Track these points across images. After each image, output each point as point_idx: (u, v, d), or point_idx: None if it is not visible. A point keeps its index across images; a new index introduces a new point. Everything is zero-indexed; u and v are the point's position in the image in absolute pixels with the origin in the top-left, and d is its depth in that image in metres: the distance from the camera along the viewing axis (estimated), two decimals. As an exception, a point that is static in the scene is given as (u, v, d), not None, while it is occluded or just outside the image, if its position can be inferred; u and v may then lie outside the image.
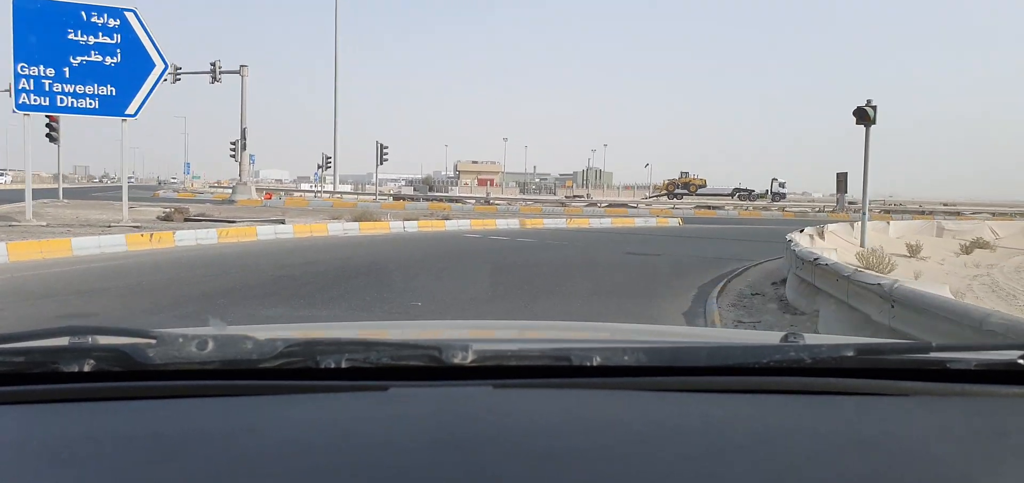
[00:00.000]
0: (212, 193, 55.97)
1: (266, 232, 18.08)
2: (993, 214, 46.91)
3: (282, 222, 20.75)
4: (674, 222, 31.63)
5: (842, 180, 48.24)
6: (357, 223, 21.39)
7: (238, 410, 1.01)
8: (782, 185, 68.83)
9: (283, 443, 0.89)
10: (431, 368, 1.08)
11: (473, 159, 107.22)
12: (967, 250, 18.31)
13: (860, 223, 15.83)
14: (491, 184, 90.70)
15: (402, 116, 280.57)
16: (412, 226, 22.65)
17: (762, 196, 66.51)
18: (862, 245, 15.31)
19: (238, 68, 40.08)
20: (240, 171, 41.10)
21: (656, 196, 70.74)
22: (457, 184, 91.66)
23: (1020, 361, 1.12)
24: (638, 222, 31.15)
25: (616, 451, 0.88)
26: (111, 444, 0.90)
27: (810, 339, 1.27)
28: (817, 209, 50.04)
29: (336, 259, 13.69)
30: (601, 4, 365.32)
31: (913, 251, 16.81)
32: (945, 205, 56.97)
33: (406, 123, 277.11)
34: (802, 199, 74.01)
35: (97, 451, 0.88)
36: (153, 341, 1.06)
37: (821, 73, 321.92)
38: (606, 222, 29.85)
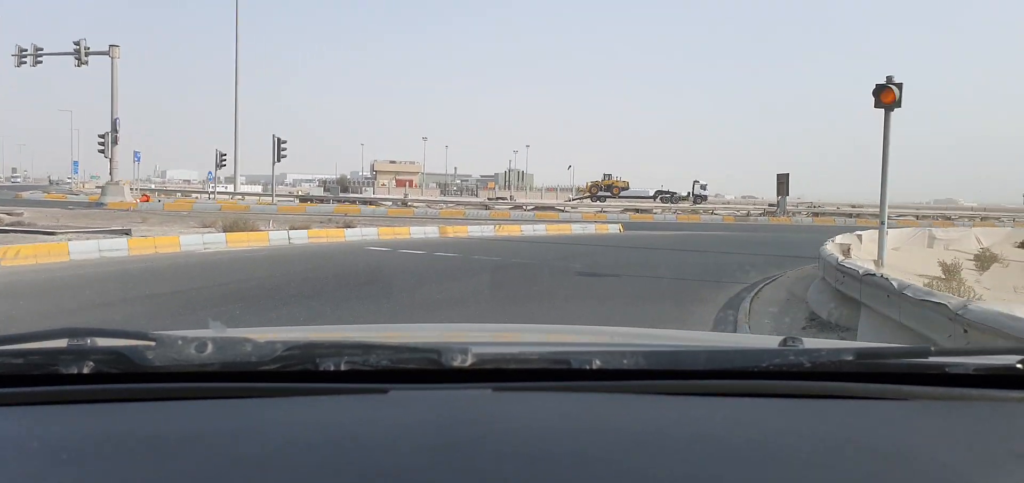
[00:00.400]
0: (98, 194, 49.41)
1: (87, 250, 13.19)
2: (920, 217, 46.03)
3: (127, 233, 15.93)
4: (614, 228, 28.07)
5: (783, 182, 46.34)
6: (224, 234, 16.68)
7: (237, 412, 1.00)
8: (703, 187, 67.39)
9: (283, 445, 0.88)
10: (431, 371, 1.08)
11: (391, 159, 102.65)
12: (983, 265, 15.12)
13: (879, 234, 12.25)
14: (410, 185, 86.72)
15: (319, 114, 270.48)
16: (301, 236, 18.11)
17: (684, 199, 64.98)
18: (879, 259, 11.72)
19: (107, 49, 34.33)
20: (111, 169, 35.03)
21: (580, 198, 68.51)
22: (374, 185, 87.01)
23: (1019, 366, 1.13)
24: (575, 229, 27.23)
25: (615, 454, 0.87)
26: (110, 446, 0.89)
27: (809, 343, 1.25)
28: (747, 213, 47.67)
29: (139, 296, 9.34)
30: (522, 5, 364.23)
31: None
32: (854, 207, 56.15)
33: (323, 121, 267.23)
34: (730, 202, 72.20)
35: (96, 452, 0.87)
36: (152, 343, 1.05)
37: (742, 73, 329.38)
38: (539, 229, 25.93)
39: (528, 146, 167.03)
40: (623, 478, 0.83)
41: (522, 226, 26.11)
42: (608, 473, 0.83)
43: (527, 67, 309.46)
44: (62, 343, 1.09)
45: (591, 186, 73.91)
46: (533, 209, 46.59)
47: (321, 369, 1.05)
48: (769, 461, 0.89)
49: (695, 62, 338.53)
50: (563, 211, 46.44)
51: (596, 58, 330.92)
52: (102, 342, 1.09)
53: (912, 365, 1.15)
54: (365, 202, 45.19)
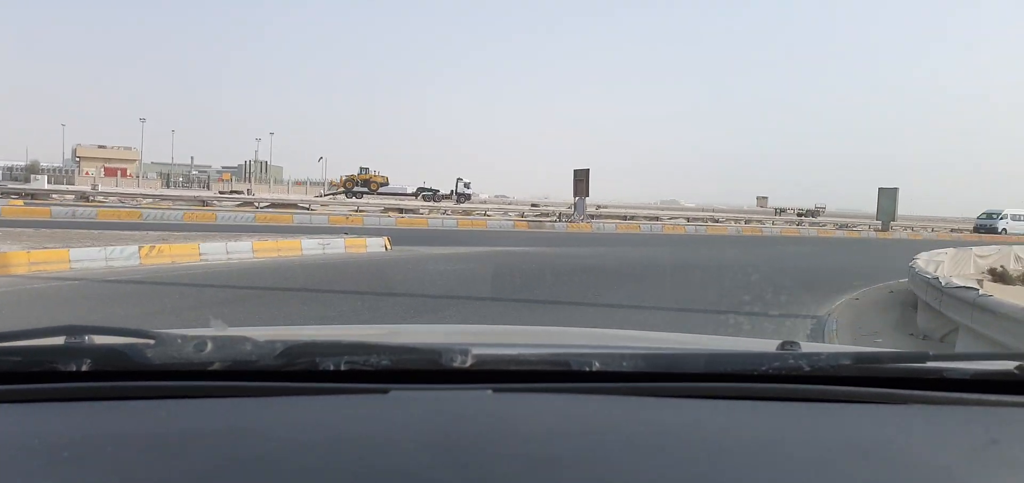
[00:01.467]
0: None
1: None
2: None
3: None
4: (375, 244, 17.19)
5: (582, 181, 39.83)
6: None
7: (237, 411, 1.00)
8: (467, 185, 61.43)
9: (282, 444, 0.88)
10: (431, 371, 1.09)
11: (99, 143, 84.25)
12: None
13: None
14: (123, 174, 71.30)
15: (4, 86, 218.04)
16: None
17: (447, 197, 59.33)
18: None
19: None
20: None
21: (332, 194, 58.61)
22: (76, 174, 69.78)
23: (1016, 371, 1.14)
24: (307, 247, 15.46)
25: (614, 456, 0.88)
26: (110, 443, 0.89)
27: (807, 347, 1.25)
28: (553, 217, 40.92)
29: None
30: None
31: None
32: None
33: (11, 96, 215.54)
34: (500, 201, 65.98)
35: (94, 450, 0.87)
36: (151, 341, 1.05)
37: (513, 70, 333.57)
38: (240, 250, 14.15)
39: (272, 134, 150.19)
40: (622, 479, 0.83)
41: (206, 244, 14.17)
42: (607, 474, 0.84)
43: (273, 46, 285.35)
44: (60, 341, 1.08)
45: (345, 181, 63.80)
46: (268, 206, 36.08)
47: (321, 369, 1.05)
48: (768, 463, 0.89)
49: (454, 49, 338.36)
50: (307, 209, 36.51)
51: (350, 41, 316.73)
52: (101, 340, 1.09)
53: (910, 370, 1.16)
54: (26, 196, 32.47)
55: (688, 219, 50.60)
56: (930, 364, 1.14)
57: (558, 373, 1.11)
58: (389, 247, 17.47)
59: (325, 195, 57.54)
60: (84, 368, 1.01)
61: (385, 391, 1.04)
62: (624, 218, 47.28)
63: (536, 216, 43.85)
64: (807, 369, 1.10)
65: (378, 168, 64.69)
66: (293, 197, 50.61)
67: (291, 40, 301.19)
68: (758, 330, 8.46)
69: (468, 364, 1.07)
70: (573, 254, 19.48)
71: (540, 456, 0.88)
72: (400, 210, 43.64)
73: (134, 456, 0.86)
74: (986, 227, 50.55)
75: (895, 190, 48.94)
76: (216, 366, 1.03)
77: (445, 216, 36.04)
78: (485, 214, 45.60)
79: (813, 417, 1.05)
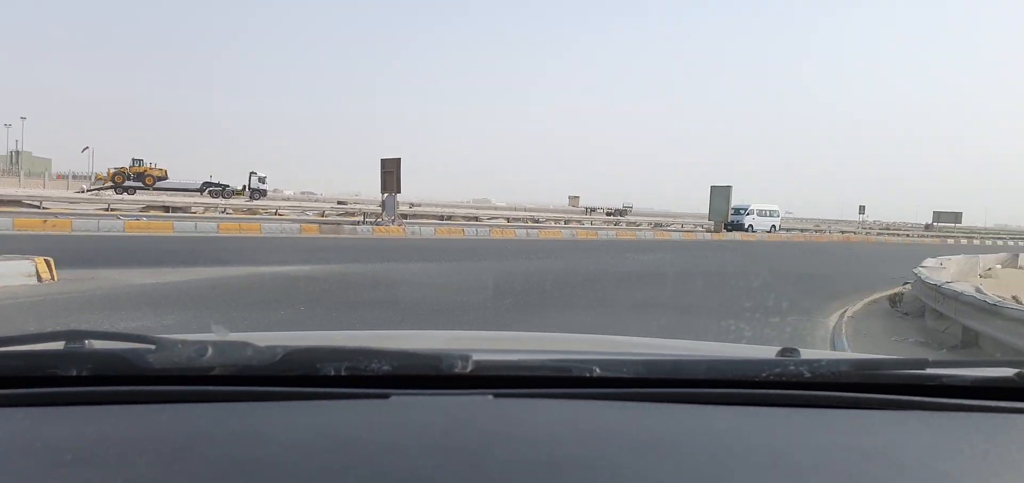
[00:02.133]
0: None
1: None
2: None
3: None
4: (11, 273, 9.82)
5: (392, 173, 29.62)
6: None
7: (238, 416, 0.99)
8: (262, 180, 54.29)
9: (283, 449, 0.88)
10: (432, 377, 1.09)
11: None
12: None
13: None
14: None
15: None
16: None
17: (239, 193, 52.16)
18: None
19: None
20: None
21: (96, 189, 48.61)
22: None
23: (1016, 377, 1.14)
24: None
25: (615, 461, 0.88)
26: (111, 448, 0.89)
27: (807, 354, 1.26)
28: (358, 219, 34.00)
29: None
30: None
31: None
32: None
33: None
34: (306, 198, 57.80)
35: (95, 455, 0.87)
36: (152, 346, 1.05)
37: (324, 56, 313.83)
38: None
39: (24, 119, 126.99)
40: None
41: None
42: (608, 479, 0.84)
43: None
44: (61, 345, 1.08)
45: (114, 173, 53.22)
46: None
47: (322, 374, 1.05)
48: (769, 469, 0.89)
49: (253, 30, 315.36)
50: (38, 208, 27.75)
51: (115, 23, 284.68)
52: (101, 345, 1.10)
53: (910, 376, 1.16)
54: None
55: (508, 219, 46.44)
56: (930, 371, 1.16)
57: (559, 379, 1.11)
58: (49, 277, 10.42)
59: (89, 189, 48.07)
60: (85, 373, 1.01)
61: (386, 396, 1.04)
62: (442, 219, 42.03)
63: (340, 217, 37.36)
64: (808, 375, 1.12)
65: (156, 161, 54.61)
66: (55, 192, 40.32)
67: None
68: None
69: (469, 369, 1.07)
70: (368, 274, 13.70)
71: (541, 461, 0.88)
72: (166, 209, 35.41)
73: (135, 461, 0.86)
74: (735, 224, 46.70)
75: (728, 188, 45.20)
76: (217, 371, 1.03)
77: (222, 216, 28.33)
78: (276, 213, 38.48)
79: (814, 423, 1.05)
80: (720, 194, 44.77)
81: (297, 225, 26.74)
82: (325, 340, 1.43)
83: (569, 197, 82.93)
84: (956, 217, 72.76)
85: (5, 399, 0.99)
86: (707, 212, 47.90)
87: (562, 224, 45.77)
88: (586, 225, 45.66)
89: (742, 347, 2.36)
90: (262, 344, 1.07)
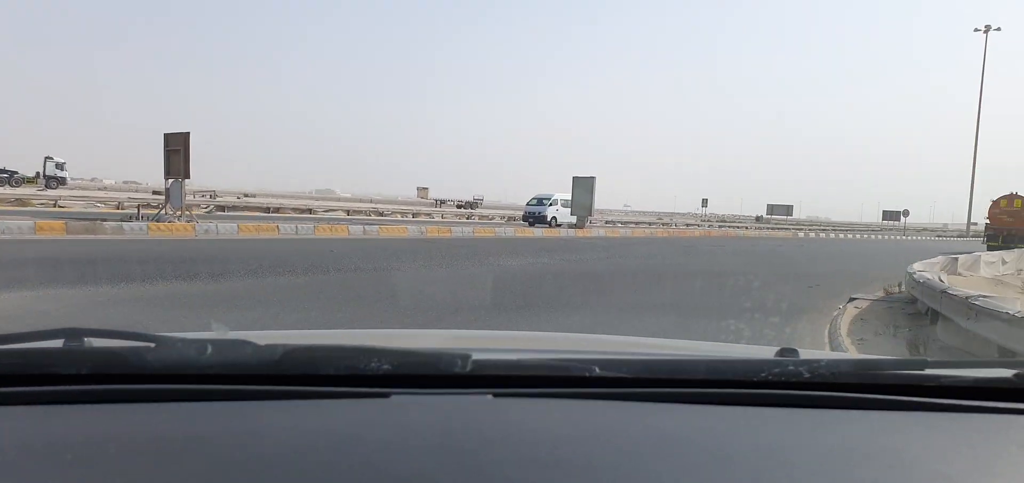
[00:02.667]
0: None
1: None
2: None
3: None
4: None
5: (178, 153, 18.73)
6: None
7: (237, 415, 0.99)
8: (60, 166, 45.07)
9: (282, 448, 0.88)
10: (432, 376, 1.09)
11: None
12: None
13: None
14: None
15: None
16: None
17: (31, 181, 44.39)
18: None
19: None
20: None
21: None
22: None
23: (1014, 378, 1.14)
24: None
25: (615, 461, 0.88)
26: (109, 446, 0.89)
27: (806, 354, 1.26)
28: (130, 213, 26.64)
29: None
30: None
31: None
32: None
33: None
34: (95, 185, 48.54)
35: (95, 453, 0.87)
36: (152, 344, 1.05)
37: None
38: None
39: None
40: None
41: None
42: (607, 479, 0.84)
43: None
44: (61, 343, 1.08)
45: None
46: None
47: (321, 373, 1.06)
48: (768, 469, 0.89)
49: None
50: None
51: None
52: (101, 343, 1.09)
53: (909, 376, 1.16)
54: None
55: (348, 213, 41.00)
56: (929, 371, 1.15)
57: (559, 378, 1.11)
58: None
59: None
60: (84, 371, 1.01)
61: (386, 395, 1.03)
62: (269, 212, 35.97)
63: (115, 209, 30.32)
64: (807, 376, 1.11)
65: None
66: None
67: None
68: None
69: (468, 369, 1.07)
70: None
71: (541, 461, 0.87)
72: None
73: (134, 459, 0.86)
74: (535, 215, 39.57)
75: (591, 179, 39.61)
76: (216, 369, 1.03)
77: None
78: (55, 204, 31.24)
79: (812, 423, 1.05)
80: (583, 185, 39.66)
81: (31, 222, 18.78)
82: (325, 339, 1.47)
83: (418, 189, 78.34)
84: (788, 209, 75.04)
85: (4, 398, 0.98)
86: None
87: (410, 218, 41.28)
88: (436, 219, 41.35)
89: (742, 347, 2.28)
90: (262, 343, 1.07)
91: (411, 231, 26.97)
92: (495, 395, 1.05)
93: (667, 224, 54.72)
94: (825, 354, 1.44)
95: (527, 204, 42.40)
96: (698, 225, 57.95)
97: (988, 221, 38.30)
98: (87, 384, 1.00)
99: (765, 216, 75.76)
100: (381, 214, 41.71)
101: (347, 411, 1.00)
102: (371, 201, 50.43)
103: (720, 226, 61.90)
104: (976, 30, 72.93)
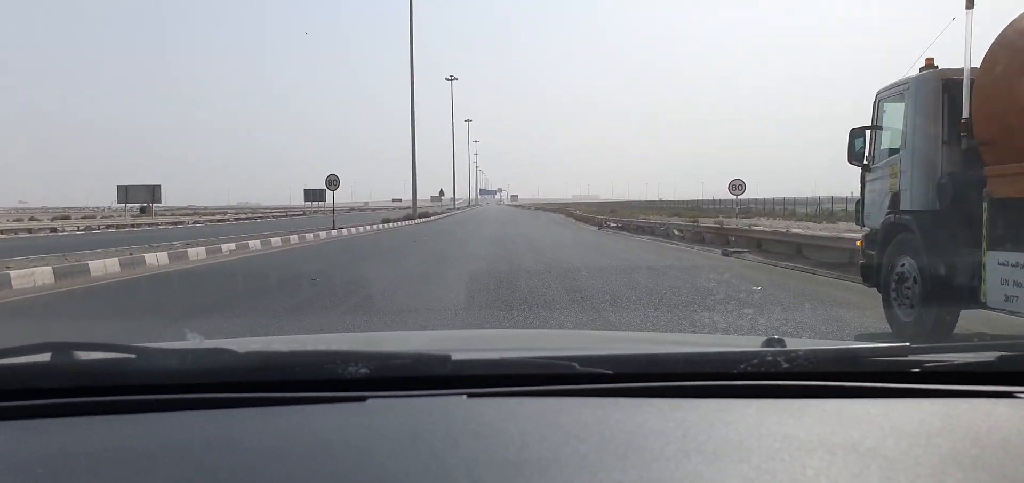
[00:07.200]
0: None
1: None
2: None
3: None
4: None
5: None
6: None
7: (216, 422, 1.00)
8: None
9: (261, 454, 0.89)
10: (410, 378, 1.09)
11: None
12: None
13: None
14: None
15: None
16: None
17: None
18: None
19: None
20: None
21: None
22: None
23: (997, 361, 1.15)
24: None
25: (593, 457, 0.87)
26: (91, 459, 0.89)
27: (790, 344, 1.24)
28: None
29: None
30: None
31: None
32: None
33: None
34: None
35: (77, 466, 0.87)
36: (133, 356, 1.05)
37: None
38: None
39: None
40: (597, 480, 0.82)
41: None
42: (583, 476, 0.83)
43: None
44: (45, 357, 1.07)
45: None
46: None
47: (300, 378, 1.05)
48: (747, 460, 0.88)
49: None
50: None
51: None
52: (84, 356, 1.08)
53: (891, 363, 1.16)
54: None
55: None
56: (911, 357, 1.15)
57: (537, 376, 1.10)
58: None
59: None
60: (67, 384, 1.01)
61: (363, 399, 1.03)
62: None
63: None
64: (785, 366, 1.11)
65: None
66: None
67: None
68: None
69: (447, 370, 1.07)
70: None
71: (509, 460, 0.87)
72: None
73: (114, 470, 0.86)
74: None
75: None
76: (196, 378, 1.03)
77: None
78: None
79: (794, 413, 1.03)
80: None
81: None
82: (305, 344, 1.50)
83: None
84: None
85: None
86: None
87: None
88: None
89: (727, 338, 2.41)
90: (240, 351, 1.08)
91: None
92: (469, 395, 1.05)
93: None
94: (807, 343, 1.49)
95: None
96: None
97: None
98: (70, 397, 1.00)
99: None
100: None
101: (324, 416, 1.00)
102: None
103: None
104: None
